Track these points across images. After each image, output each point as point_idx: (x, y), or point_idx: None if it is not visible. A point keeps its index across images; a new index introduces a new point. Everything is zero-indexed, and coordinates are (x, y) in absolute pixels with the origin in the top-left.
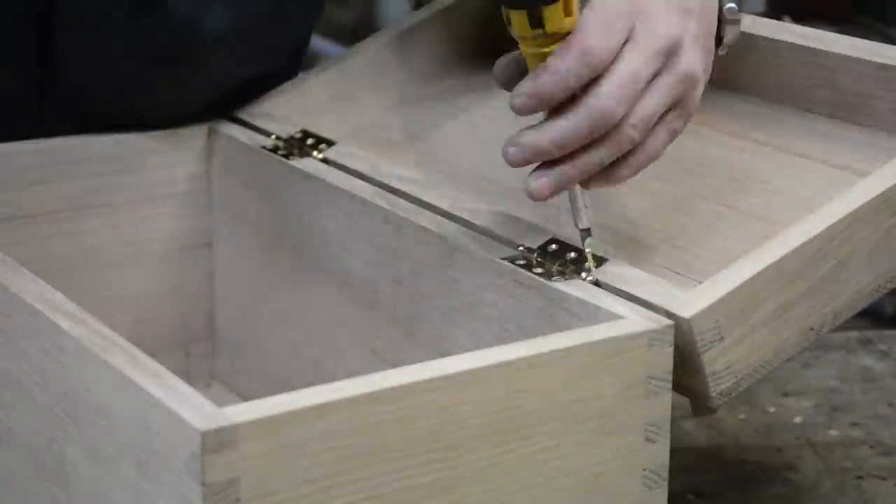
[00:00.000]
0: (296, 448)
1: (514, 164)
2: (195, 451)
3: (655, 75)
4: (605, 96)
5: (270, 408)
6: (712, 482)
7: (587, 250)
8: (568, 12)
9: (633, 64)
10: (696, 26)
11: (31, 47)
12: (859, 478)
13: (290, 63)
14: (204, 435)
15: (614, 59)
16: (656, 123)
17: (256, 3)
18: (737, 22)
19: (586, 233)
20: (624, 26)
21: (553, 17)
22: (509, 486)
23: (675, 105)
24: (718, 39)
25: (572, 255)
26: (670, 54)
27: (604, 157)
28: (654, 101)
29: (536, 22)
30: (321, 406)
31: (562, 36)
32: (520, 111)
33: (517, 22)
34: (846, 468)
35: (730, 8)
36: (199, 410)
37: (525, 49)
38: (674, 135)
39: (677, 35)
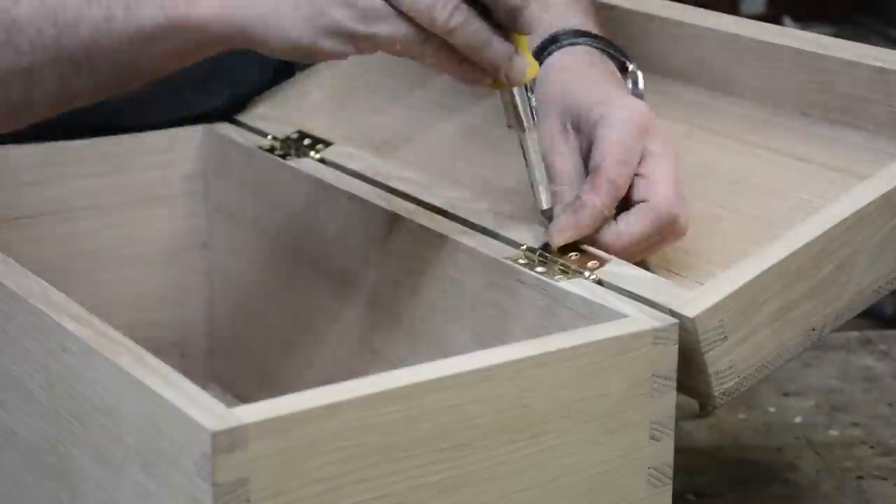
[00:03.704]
0: (305, 448)
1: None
2: (206, 452)
3: None
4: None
5: (280, 408)
6: (712, 482)
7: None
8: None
9: (665, 170)
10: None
11: None
12: (859, 478)
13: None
14: (215, 435)
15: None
16: None
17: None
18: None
19: (548, 213)
20: (642, 146)
21: None
22: (517, 485)
23: None
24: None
25: (574, 254)
26: (665, 139)
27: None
28: None
29: None
30: (331, 406)
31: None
32: (558, 244)
33: None
34: (846, 468)
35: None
36: (209, 411)
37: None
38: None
39: (650, 119)
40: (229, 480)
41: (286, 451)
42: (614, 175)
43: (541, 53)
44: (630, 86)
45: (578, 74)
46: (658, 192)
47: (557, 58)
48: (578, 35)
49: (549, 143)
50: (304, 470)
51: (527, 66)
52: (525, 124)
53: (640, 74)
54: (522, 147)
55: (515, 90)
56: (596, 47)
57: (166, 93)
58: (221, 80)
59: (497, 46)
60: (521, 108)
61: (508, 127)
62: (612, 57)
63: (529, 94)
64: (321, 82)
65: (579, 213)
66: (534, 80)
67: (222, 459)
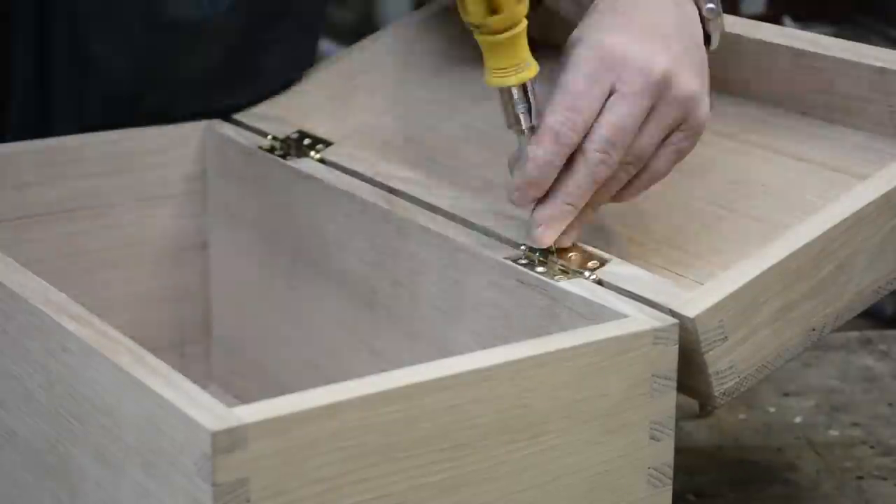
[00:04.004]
0: (305, 448)
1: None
2: (206, 452)
3: (652, 107)
4: (595, 162)
5: (280, 408)
6: (712, 482)
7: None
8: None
9: (618, 115)
10: (679, 46)
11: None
12: (859, 478)
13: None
14: (215, 435)
15: (602, 111)
16: (660, 147)
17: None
18: (719, 15)
19: (530, 131)
20: (602, 87)
21: (507, 4)
22: (517, 485)
23: (678, 127)
24: (706, 39)
25: (574, 255)
26: (660, 86)
27: (604, 196)
28: (648, 137)
29: (492, 10)
30: (331, 406)
31: (515, 22)
32: (521, 204)
33: (473, 9)
34: (846, 468)
35: (709, 9)
36: (209, 411)
37: (480, 38)
38: (680, 154)
39: (661, 66)
40: (229, 480)
41: (286, 451)
42: (555, 123)
43: None
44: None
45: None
46: (592, 143)
47: None
48: None
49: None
50: (305, 470)
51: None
52: (523, 125)
53: None
54: (520, 147)
55: (514, 90)
56: None
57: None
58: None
59: None
60: (520, 109)
61: (508, 127)
62: None
63: (530, 94)
64: (321, 82)
65: (523, 167)
66: (534, 80)
67: (222, 459)
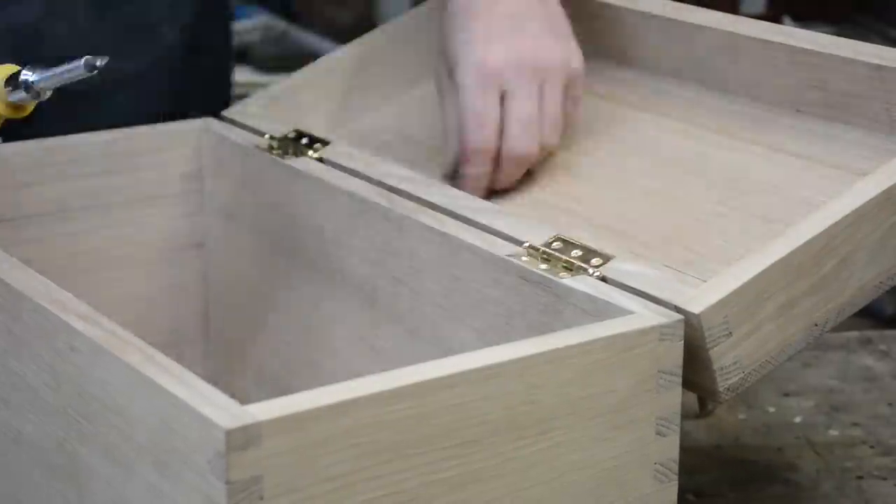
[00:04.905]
0: (318, 445)
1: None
2: (220, 450)
3: (540, 87)
4: (517, 155)
5: (294, 405)
6: (712, 482)
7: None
8: None
9: (518, 111)
10: (540, 24)
11: None
12: (859, 478)
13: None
14: (229, 433)
15: (504, 111)
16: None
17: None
18: None
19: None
20: (495, 95)
21: None
22: (525, 481)
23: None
24: None
25: (577, 252)
26: (538, 71)
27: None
28: (551, 107)
29: None
30: (344, 403)
31: None
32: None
33: None
34: (846, 468)
35: None
36: (223, 409)
37: None
38: (576, 101)
39: (531, 54)
40: (243, 478)
41: (300, 448)
42: (473, 142)
43: None
44: None
45: (454, 5)
46: (506, 132)
47: None
48: None
49: (439, 96)
50: (318, 467)
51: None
52: None
53: None
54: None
55: None
56: None
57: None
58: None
59: None
60: None
61: None
62: None
63: None
64: (317, 81)
65: (465, 187)
66: None
67: (236, 457)
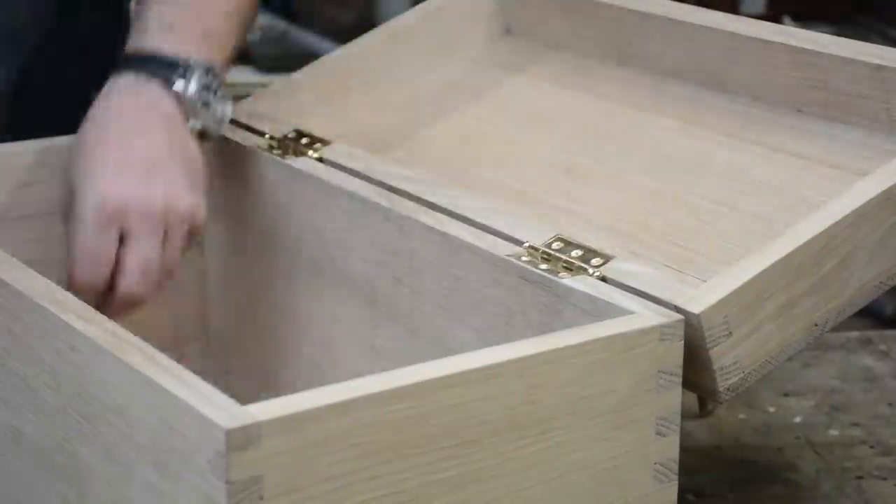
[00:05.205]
0: (319, 445)
1: None
2: (220, 450)
3: (165, 231)
4: (129, 295)
5: (294, 405)
6: (712, 482)
7: None
8: None
9: (139, 255)
10: (172, 170)
11: None
12: (859, 478)
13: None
14: (229, 433)
15: (124, 251)
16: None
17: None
18: (206, 105)
19: None
20: (112, 235)
21: None
22: (525, 481)
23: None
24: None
25: (577, 252)
26: (164, 216)
27: None
28: (171, 251)
29: None
30: (344, 403)
31: None
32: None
33: None
34: (846, 468)
35: (190, 97)
36: (223, 409)
37: None
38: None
39: (160, 201)
40: (243, 478)
41: (300, 448)
42: (82, 278)
43: None
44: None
45: (85, 134)
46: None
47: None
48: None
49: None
50: (317, 467)
51: None
52: None
53: (195, 74)
54: None
55: None
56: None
57: None
58: None
59: None
60: None
61: None
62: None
63: None
64: (317, 81)
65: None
66: None
67: (236, 457)
